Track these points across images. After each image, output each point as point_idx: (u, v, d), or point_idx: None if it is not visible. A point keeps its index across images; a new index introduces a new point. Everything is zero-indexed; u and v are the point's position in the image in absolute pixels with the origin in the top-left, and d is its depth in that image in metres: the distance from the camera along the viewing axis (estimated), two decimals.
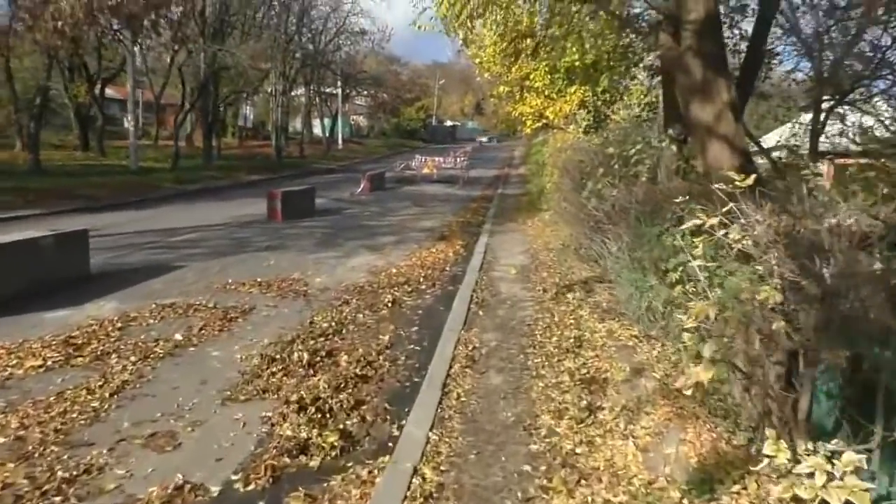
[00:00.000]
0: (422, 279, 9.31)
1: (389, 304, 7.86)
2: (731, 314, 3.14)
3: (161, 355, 5.90)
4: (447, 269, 10.16)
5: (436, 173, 27.56)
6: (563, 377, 5.40)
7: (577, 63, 15.56)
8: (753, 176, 3.34)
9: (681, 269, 4.37)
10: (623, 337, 6.20)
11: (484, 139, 74.88)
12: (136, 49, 33.61)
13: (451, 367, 5.71)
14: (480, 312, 7.52)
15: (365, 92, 53.18)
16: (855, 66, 11.41)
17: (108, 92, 56.37)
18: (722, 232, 3.62)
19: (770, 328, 3.41)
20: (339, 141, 48.31)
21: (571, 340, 6.27)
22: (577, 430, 4.40)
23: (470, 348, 6.22)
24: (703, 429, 4.15)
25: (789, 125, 14.53)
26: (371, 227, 14.66)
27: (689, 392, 3.27)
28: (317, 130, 54.90)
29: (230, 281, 8.81)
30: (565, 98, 16.65)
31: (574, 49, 14.36)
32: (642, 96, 14.65)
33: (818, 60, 12.03)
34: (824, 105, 11.99)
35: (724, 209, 3.36)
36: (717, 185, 3.37)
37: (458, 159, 28.58)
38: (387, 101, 56.73)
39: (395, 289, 8.65)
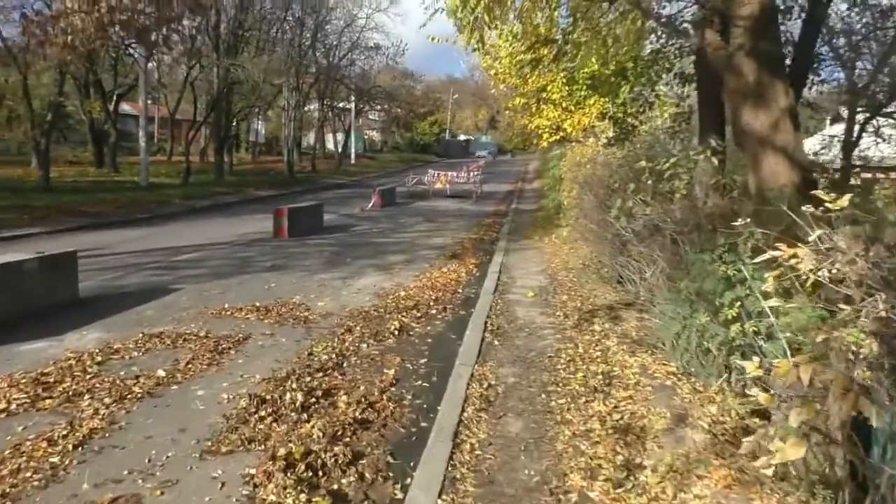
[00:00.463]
0: (432, 303, 8.61)
1: (396, 332, 7.16)
2: (833, 376, 2.41)
3: (139, 395, 5.23)
4: (459, 291, 9.46)
5: (448, 188, 26.94)
6: (593, 423, 4.66)
7: (597, 72, 14.92)
8: (849, 196, 2.63)
9: (738, 304, 3.64)
10: (659, 374, 5.45)
11: (484, 153, 65.61)
12: (152, 64, 33.64)
13: (463, 411, 4.99)
14: (496, 342, 6.79)
15: (378, 106, 52.88)
16: (893, 77, 10.66)
17: (125, 108, 56.63)
18: (792, 262, 2.90)
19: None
20: (352, 156, 47.95)
21: (599, 377, 5.53)
22: (615, 496, 3.67)
23: (485, 386, 5.49)
24: (772, 499, 3.40)
25: (819, 137, 13.75)
26: (380, 244, 14.01)
27: (769, 472, 2.55)
28: (330, 145, 54.66)
29: (227, 306, 8.15)
30: (584, 110, 15.97)
31: (595, 59, 13.74)
32: (672, 106, 13.96)
33: (851, 70, 11.30)
34: (859, 117, 11.23)
35: (812, 237, 2.63)
36: (807, 208, 2.64)
37: (472, 174, 27.95)
38: (400, 116, 56.39)
39: (403, 314, 7.96)
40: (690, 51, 7.63)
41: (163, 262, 11.18)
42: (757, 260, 2.96)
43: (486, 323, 7.45)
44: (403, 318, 7.73)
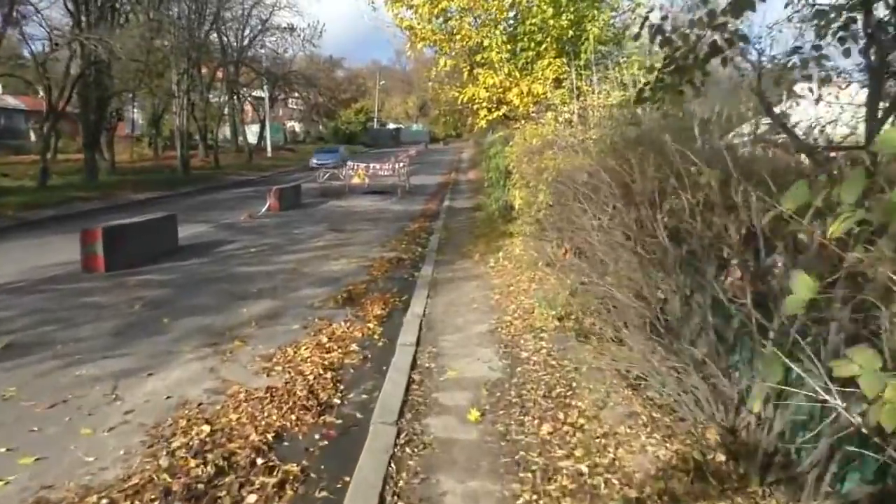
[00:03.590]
0: (259, 455, 3.82)
1: None
2: None
3: None
4: (334, 402, 4.69)
5: (367, 183, 21.98)
6: None
7: (548, 20, 10.51)
8: None
9: None
10: None
11: (330, 160, 33.40)
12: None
13: None
14: None
15: (296, 94, 46.91)
16: None
17: (10, 101, 49.15)
18: None
19: None
20: (268, 148, 42.09)
21: None
22: None
23: None
24: None
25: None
26: (242, 279, 9.03)
27: None
28: (250, 138, 48.45)
29: None
30: (533, 75, 11.41)
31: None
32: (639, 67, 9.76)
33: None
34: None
35: None
36: None
37: (397, 165, 23.07)
38: (320, 103, 50.49)
39: None
40: None
41: None
42: None
43: None
44: None
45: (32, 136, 47.75)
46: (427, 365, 5.33)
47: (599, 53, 11.25)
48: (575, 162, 6.27)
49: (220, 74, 38.58)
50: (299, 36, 39.79)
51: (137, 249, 10.08)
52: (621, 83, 9.23)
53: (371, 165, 23.23)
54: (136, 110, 37.23)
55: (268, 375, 5.22)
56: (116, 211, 18.05)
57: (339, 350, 5.79)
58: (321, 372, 5.22)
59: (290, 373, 5.24)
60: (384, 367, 5.33)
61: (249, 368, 5.40)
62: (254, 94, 44.45)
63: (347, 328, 6.49)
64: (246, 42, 38.73)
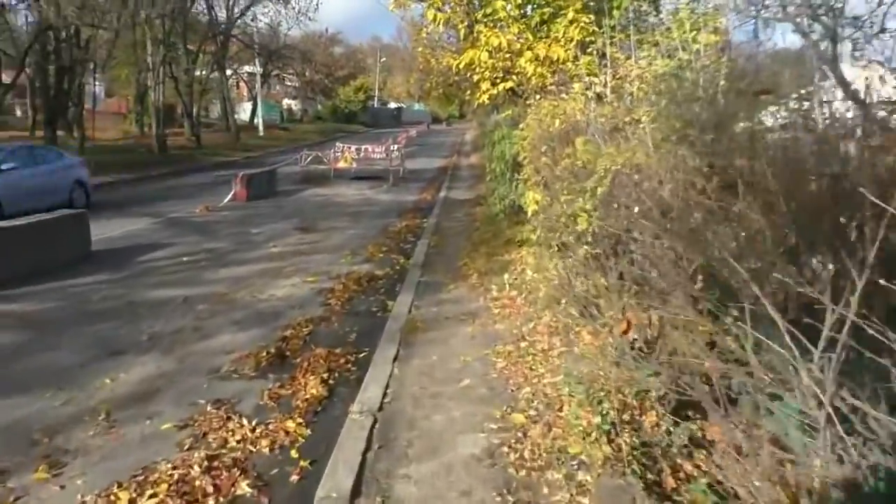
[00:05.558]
0: None
1: None
2: None
3: None
4: None
5: (354, 167, 19.11)
6: None
7: None
8: None
9: None
10: None
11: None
12: None
13: None
14: None
15: (290, 70, 43.70)
16: None
17: None
18: None
19: None
20: (260, 127, 39.08)
21: None
22: None
23: None
24: None
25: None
26: (144, 312, 6.29)
27: None
28: (245, 116, 45.35)
29: None
30: (553, 37, 8.59)
31: None
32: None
33: None
34: None
35: None
36: None
37: (391, 148, 20.20)
38: (316, 80, 47.14)
39: None
40: None
41: None
42: None
43: None
44: None
45: (18, 112, 44.71)
46: None
47: (634, 12, 8.49)
48: (636, 159, 3.55)
49: (210, 48, 35.65)
50: (293, 8, 36.68)
51: (20, 261, 7.40)
52: (665, 50, 6.50)
53: (363, 147, 20.35)
54: (97, 84, 34.17)
55: None
56: None
57: (215, 497, 3.11)
58: None
59: None
60: None
61: None
62: (245, 68, 41.36)
63: (252, 431, 3.82)
64: (236, 14, 35.64)
